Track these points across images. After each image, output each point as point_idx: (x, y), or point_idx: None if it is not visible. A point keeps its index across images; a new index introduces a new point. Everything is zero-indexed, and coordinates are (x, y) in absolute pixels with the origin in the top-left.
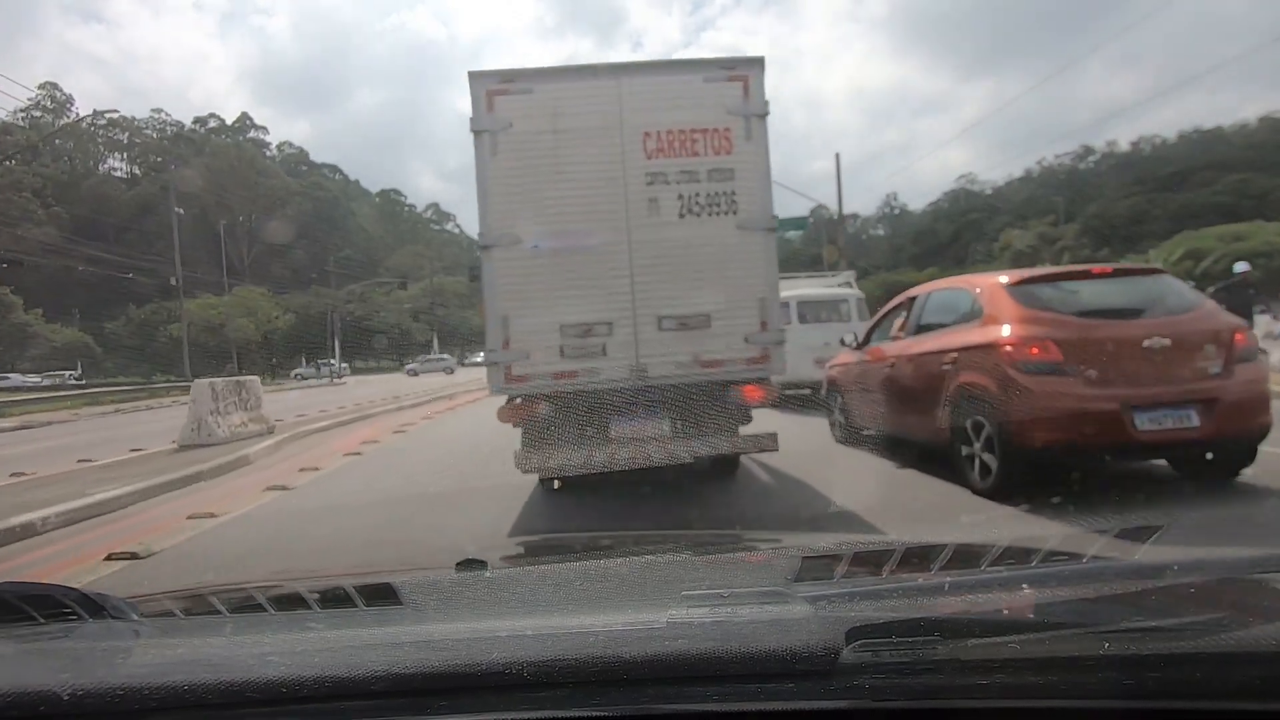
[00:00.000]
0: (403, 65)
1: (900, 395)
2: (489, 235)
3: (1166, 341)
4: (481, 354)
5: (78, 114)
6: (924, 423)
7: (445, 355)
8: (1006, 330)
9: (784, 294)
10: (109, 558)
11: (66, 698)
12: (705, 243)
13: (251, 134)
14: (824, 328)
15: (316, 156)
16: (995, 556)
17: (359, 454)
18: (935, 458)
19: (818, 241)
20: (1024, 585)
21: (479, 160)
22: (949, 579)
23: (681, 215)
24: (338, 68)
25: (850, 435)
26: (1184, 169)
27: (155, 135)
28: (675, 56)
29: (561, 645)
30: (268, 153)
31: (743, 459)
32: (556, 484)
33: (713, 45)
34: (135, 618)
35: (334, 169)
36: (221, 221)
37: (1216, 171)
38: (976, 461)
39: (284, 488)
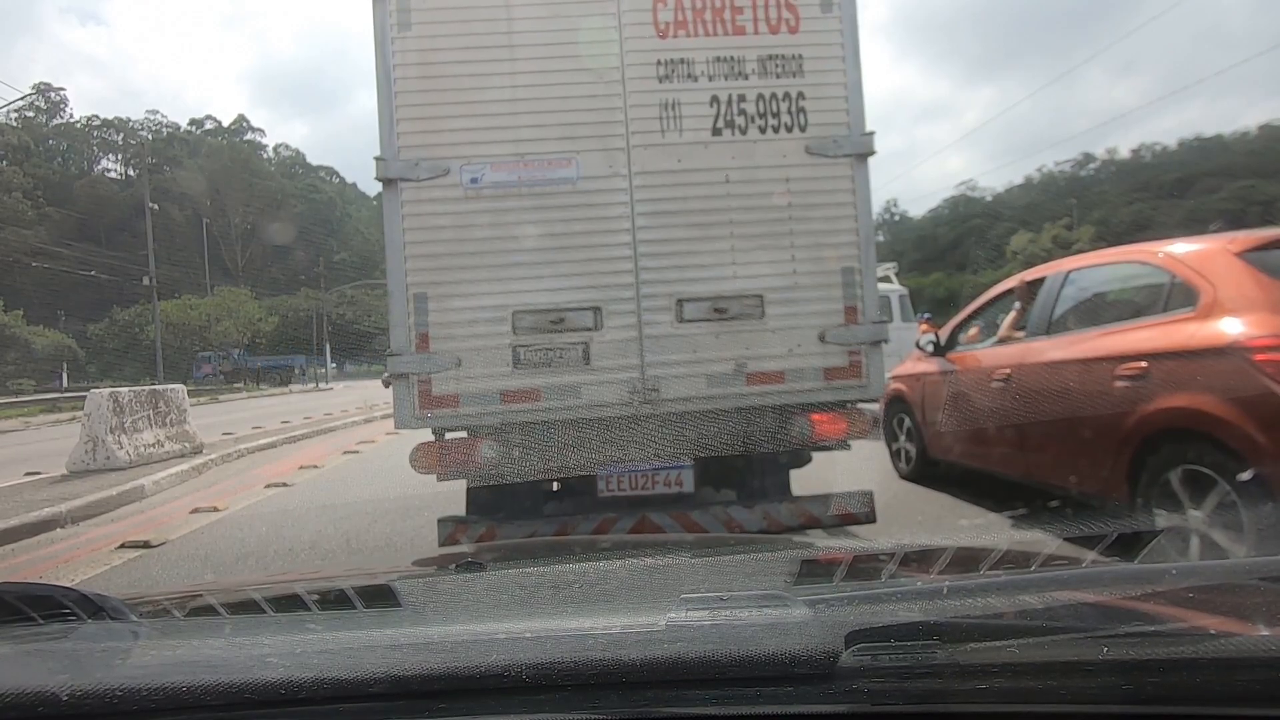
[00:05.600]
0: None
1: (1023, 422)
2: (394, 160)
3: None
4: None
5: (72, 114)
6: (1071, 465)
7: None
8: (1262, 324)
9: None
10: None
11: (65, 698)
12: (756, 176)
13: (249, 136)
14: None
15: (314, 159)
16: (995, 560)
17: (286, 485)
18: (1078, 514)
19: None
20: (1023, 589)
21: (378, 38)
22: (948, 583)
23: (717, 131)
24: (337, 70)
25: (924, 470)
26: (1187, 175)
27: (150, 136)
28: None
29: (560, 648)
30: (264, 154)
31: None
32: None
33: None
34: (134, 619)
35: (331, 171)
36: (205, 220)
37: (1220, 178)
38: (1196, 539)
39: (146, 544)
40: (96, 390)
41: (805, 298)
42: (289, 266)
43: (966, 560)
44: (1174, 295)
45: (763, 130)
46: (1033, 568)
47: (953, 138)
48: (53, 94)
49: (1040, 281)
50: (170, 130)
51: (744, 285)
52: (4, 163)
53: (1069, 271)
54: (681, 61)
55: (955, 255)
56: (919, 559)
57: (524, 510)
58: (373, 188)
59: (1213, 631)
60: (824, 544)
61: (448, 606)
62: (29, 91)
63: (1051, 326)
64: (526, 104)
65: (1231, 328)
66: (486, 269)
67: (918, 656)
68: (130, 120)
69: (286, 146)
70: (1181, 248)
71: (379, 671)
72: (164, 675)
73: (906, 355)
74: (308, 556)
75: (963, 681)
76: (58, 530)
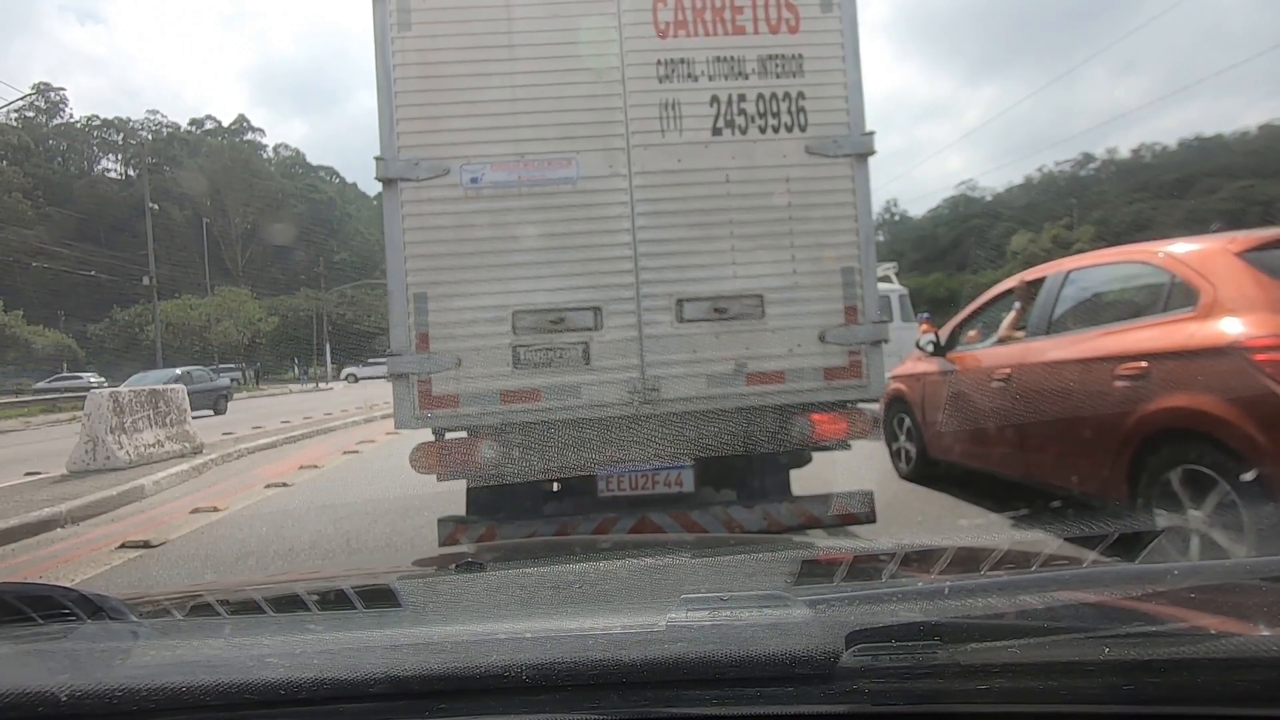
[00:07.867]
0: None
1: (1023, 422)
2: (394, 160)
3: None
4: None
5: (72, 114)
6: (1072, 465)
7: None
8: (1262, 324)
9: None
10: None
11: (65, 699)
12: (756, 176)
13: (249, 136)
14: None
15: (314, 159)
16: (995, 561)
17: (286, 485)
18: (1079, 515)
19: None
20: (1024, 589)
21: (378, 38)
22: (949, 583)
23: (717, 131)
24: (337, 70)
25: (924, 470)
26: (1187, 175)
27: (150, 136)
28: None
29: (560, 648)
30: (264, 154)
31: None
32: None
33: None
34: (134, 619)
35: (331, 171)
36: (205, 220)
37: (1220, 178)
38: (1196, 539)
39: (146, 544)
40: (97, 390)
41: (805, 298)
42: (289, 266)
43: (967, 560)
44: (1174, 295)
45: (763, 130)
46: (1033, 568)
47: (953, 138)
48: (52, 94)
49: (1040, 281)
50: (170, 130)
51: (744, 285)
52: (4, 163)
53: (1069, 271)
54: (681, 61)
55: (955, 255)
56: (919, 559)
57: (524, 510)
58: (373, 188)
59: (1213, 631)
60: (824, 544)
61: (448, 606)
62: (29, 91)
63: (1051, 326)
64: (526, 104)
65: (1231, 328)
66: (486, 269)
67: (918, 657)
68: (130, 120)
69: (286, 146)
70: (1181, 248)
71: (379, 672)
72: (164, 675)
73: (906, 355)
74: (308, 556)
75: (964, 682)
76: (58, 530)
